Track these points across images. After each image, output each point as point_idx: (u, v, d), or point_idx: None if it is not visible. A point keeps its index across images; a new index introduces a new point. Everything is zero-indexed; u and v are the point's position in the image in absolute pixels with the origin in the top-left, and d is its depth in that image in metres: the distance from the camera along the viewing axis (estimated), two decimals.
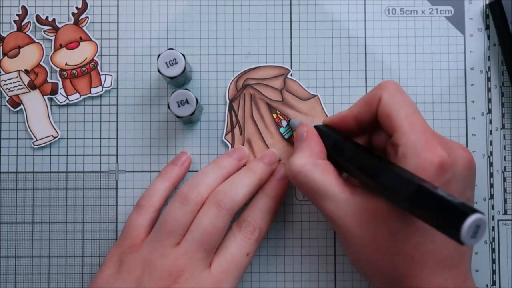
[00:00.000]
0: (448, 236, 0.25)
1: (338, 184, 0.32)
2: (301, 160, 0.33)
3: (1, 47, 0.41)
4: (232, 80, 0.40)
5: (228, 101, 0.40)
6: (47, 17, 0.41)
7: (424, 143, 0.30)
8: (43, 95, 0.40)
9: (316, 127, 0.36)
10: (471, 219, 0.23)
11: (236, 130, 0.40)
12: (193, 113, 0.37)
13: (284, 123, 0.40)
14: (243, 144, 0.40)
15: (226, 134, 0.40)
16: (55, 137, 0.40)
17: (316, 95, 0.40)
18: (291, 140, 0.40)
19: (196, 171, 0.40)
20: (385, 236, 0.30)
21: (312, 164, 0.33)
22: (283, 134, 0.40)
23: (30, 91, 0.40)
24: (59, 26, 0.41)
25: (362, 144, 0.35)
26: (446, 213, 0.25)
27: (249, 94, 0.40)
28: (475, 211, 0.24)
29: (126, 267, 0.34)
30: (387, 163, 0.31)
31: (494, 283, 0.40)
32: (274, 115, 0.40)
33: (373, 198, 0.31)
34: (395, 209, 0.30)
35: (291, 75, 0.41)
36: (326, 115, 0.40)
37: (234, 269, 0.35)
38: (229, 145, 0.40)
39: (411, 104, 0.32)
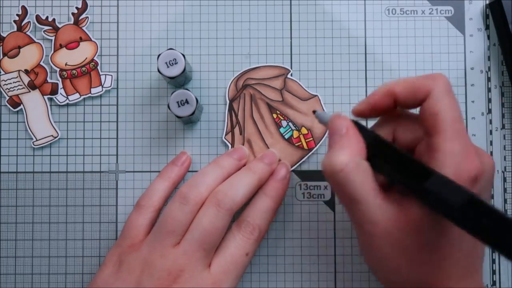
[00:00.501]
0: (501, 253, 0.24)
1: (373, 189, 0.30)
2: (343, 157, 0.30)
3: (1, 47, 0.41)
4: (232, 80, 0.40)
5: (228, 101, 0.40)
6: (47, 17, 0.41)
7: (465, 154, 0.29)
8: (43, 95, 0.40)
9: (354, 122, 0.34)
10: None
11: (236, 130, 0.40)
12: (193, 113, 0.37)
13: (284, 123, 0.40)
14: (243, 144, 0.40)
15: (226, 134, 0.40)
16: (55, 137, 0.40)
17: (316, 95, 0.40)
18: (291, 140, 0.40)
19: (196, 171, 0.40)
20: (415, 245, 0.30)
21: (356, 163, 0.30)
22: (283, 134, 0.40)
23: (30, 91, 0.40)
24: (59, 26, 0.41)
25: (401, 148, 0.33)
26: (501, 229, 0.24)
27: (249, 94, 0.40)
28: None
29: (125, 267, 0.34)
30: (433, 170, 0.29)
31: (494, 283, 0.40)
32: (274, 115, 0.40)
33: (406, 206, 0.30)
34: (428, 219, 0.29)
35: (291, 75, 0.41)
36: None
37: (234, 269, 0.35)
38: (229, 145, 0.40)
39: (459, 110, 0.31)
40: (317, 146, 0.40)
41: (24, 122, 0.40)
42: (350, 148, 0.31)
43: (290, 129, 0.40)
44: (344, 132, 0.31)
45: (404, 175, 0.29)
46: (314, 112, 0.35)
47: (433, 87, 0.31)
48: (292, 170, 0.40)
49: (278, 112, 0.40)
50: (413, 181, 0.29)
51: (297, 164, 0.40)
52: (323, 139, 0.40)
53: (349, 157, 0.30)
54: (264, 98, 0.40)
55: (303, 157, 0.40)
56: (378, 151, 0.31)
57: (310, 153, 0.40)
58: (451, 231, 0.29)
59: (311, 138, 0.40)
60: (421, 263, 0.30)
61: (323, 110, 0.40)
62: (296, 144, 0.40)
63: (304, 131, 0.40)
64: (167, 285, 0.33)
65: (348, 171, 0.30)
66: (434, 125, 0.30)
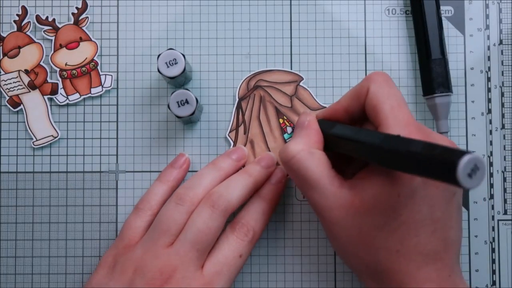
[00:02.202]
0: (446, 182, 0.24)
1: (328, 176, 0.32)
2: (297, 146, 0.33)
3: (1, 47, 0.41)
4: (245, 79, 0.40)
5: (237, 99, 0.40)
6: (47, 17, 0.41)
7: (407, 137, 0.30)
8: (43, 95, 0.40)
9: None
10: (467, 158, 0.23)
11: (241, 129, 0.40)
12: (193, 113, 0.37)
13: (289, 129, 0.40)
14: (245, 144, 0.40)
15: (230, 131, 0.40)
16: (55, 137, 0.40)
17: (325, 107, 0.40)
18: None
19: (196, 171, 0.40)
20: (370, 230, 0.31)
21: (308, 152, 0.33)
22: (287, 140, 0.40)
23: (30, 91, 0.40)
24: (59, 26, 0.41)
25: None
26: (441, 157, 0.24)
27: (259, 95, 0.40)
28: (470, 153, 0.24)
29: (119, 268, 0.34)
30: (380, 132, 0.31)
31: (494, 283, 0.40)
32: (281, 120, 0.40)
33: (359, 191, 0.31)
34: (380, 201, 0.30)
35: (304, 83, 0.41)
36: None
37: (227, 271, 0.35)
38: (232, 143, 0.40)
39: (397, 97, 0.32)
40: None
41: (24, 122, 0.40)
42: (306, 139, 0.34)
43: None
44: (306, 125, 0.35)
45: (359, 144, 0.31)
46: (292, 126, 0.39)
47: (370, 85, 0.32)
48: None
49: (285, 118, 0.40)
50: (367, 145, 0.30)
51: None
52: None
53: (303, 146, 0.33)
54: (273, 101, 0.40)
55: None
56: (339, 134, 0.33)
57: None
58: (405, 214, 0.30)
59: None
60: (377, 247, 0.31)
61: None
62: None
63: None
64: (159, 285, 0.33)
65: (300, 157, 0.33)
66: (376, 118, 0.32)
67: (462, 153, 0.23)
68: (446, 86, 0.39)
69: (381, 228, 0.30)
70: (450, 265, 0.31)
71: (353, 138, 0.32)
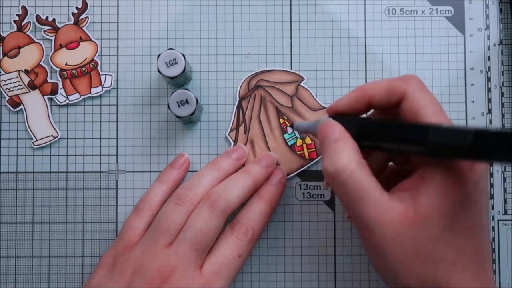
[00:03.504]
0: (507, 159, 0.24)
1: (378, 188, 0.30)
2: (346, 157, 0.30)
3: (1, 47, 0.41)
4: (245, 79, 0.40)
5: (238, 99, 0.40)
6: (47, 17, 0.41)
7: None
8: (43, 95, 0.40)
9: (334, 118, 0.33)
10: None
11: (241, 128, 0.40)
12: (193, 113, 0.37)
13: (289, 129, 0.40)
14: (245, 144, 0.40)
15: (230, 131, 0.40)
16: (55, 137, 0.40)
17: (326, 108, 0.40)
18: (293, 148, 0.40)
19: (196, 171, 0.39)
20: (426, 242, 0.29)
21: (358, 162, 0.30)
22: (287, 140, 0.40)
23: (30, 91, 0.40)
24: (59, 26, 0.41)
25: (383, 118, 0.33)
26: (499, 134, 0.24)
27: (259, 95, 0.40)
28: None
29: (118, 268, 0.34)
30: (427, 124, 0.29)
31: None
32: (281, 120, 0.40)
33: (412, 203, 0.29)
34: (436, 211, 0.29)
35: (304, 83, 0.41)
36: None
37: (226, 271, 0.35)
38: (232, 142, 0.40)
39: (437, 103, 0.31)
40: (318, 158, 0.40)
41: (24, 122, 0.40)
42: (348, 149, 0.30)
43: (294, 136, 0.40)
44: (338, 136, 0.31)
45: (404, 140, 0.29)
46: (292, 126, 0.37)
47: (407, 88, 0.31)
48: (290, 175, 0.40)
49: (286, 118, 0.40)
50: (415, 140, 0.28)
51: (295, 173, 0.40)
52: None
53: (350, 156, 0.30)
54: (274, 101, 0.40)
55: (302, 167, 0.40)
56: (368, 136, 0.31)
57: (310, 163, 0.40)
58: (460, 223, 0.29)
59: (314, 149, 0.40)
60: (436, 260, 0.29)
61: None
62: (298, 152, 0.40)
63: (308, 140, 0.40)
64: (158, 285, 0.33)
65: (352, 169, 0.29)
66: (415, 121, 0.30)
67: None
68: None
69: (438, 240, 0.29)
70: (492, 274, 0.31)
71: (399, 137, 0.30)
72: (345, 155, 0.30)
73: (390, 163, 0.36)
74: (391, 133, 0.30)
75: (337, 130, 0.31)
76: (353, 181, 0.29)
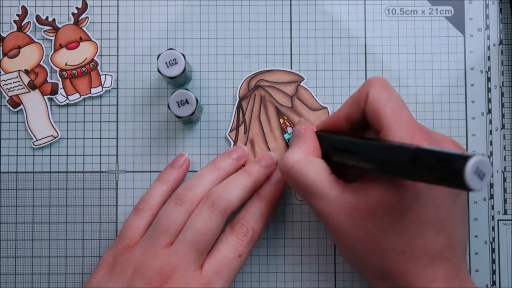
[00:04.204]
0: (454, 187, 0.24)
1: (329, 181, 0.32)
2: (295, 155, 0.34)
3: (1, 47, 0.41)
4: (245, 79, 0.40)
5: (238, 99, 0.40)
6: (47, 17, 0.41)
7: (411, 138, 0.30)
8: (43, 95, 0.40)
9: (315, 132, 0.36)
10: (472, 160, 0.23)
11: (241, 128, 0.40)
12: (193, 113, 0.37)
13: (289, 129, 0.40)
14: (245, 144, 0.40)
15: (230, 131, 0.40)
16: (55, 137, 0.40)
17: (326, 108, 0.40)
18: None
19: (196, 171, 0.39)
20: (375, 233, 0.31)
21: (306, 160, 0.33)
22: (287, 141, 0.40)
23: (30, 91, 0.40)
24: (59, 26, 0.41)
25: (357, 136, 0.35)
26: (447, 163, 0.24)
27: (259, 95, 0.40)
28: (475, 155, 0.23)
29: (118, 268, 0.34)
30: (381, 140, 0.31)
31: (494, 283, 0.40)
32: (281, 120, 0.40)
33: (363, 195, 0.31)
34: (385, 204, 0.30)
35: (304, 83, 0.41)
36: None
37: (226, 271, 0.35)
38: (232, 142, 0.40)
39: (398, 99, 0.32)
40: None
41: (24, 122, 0.40)
42: (304, 147, 0.34)
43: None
44: (302, 134, 0.35)
45: (355, 154, 0.31)
46: (292, 126, 0.39)
47: (369, 89, 0.32)
48: None
49: (286, 118, 0.40)
50: (364, 156, 0.30)
51: None
52: None
53: (301, 154, 0.34)
54: (274, 101, 0.40)
55: None
56: (333, 145, 0.34)
57: None
58: (410, 217, 0.30)
59: None
60: (384, 250, 0.31)
61: None
62: None
63: None
64: (158, 285, 0.33)
65: (299, 166, 0.33)
66: (377, 122, 0.32)
67: (466, 157, 0.23)
68: None
69: (386, 231, 0.31)
70: (457, 264, 0.31)
71: (351, 150, 0.32)
72: (296, 153, 0.34)
73: None
74: (346, 148, 0.33)
75: (302, 129, 0.36)
76: (300, 176, 0.33)
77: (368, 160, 0.30)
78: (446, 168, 0.24)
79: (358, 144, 0.32)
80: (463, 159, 0.23)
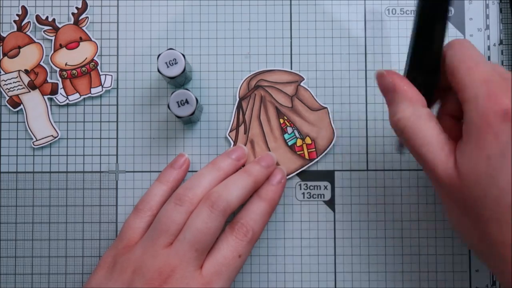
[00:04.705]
0: None
1: (440, 140, 0.30)
2: (408, 109, 0.31)
3: (1, 47, 0.41)
4: (245, 79, 0.40)
5: (238, 99, 0.40)
6: (47, 17, 0.41)
7: (486, 94, 0.28)
8: (43, 95, 0.40)
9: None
10: None
11: (241, 128, 0.40)
12: (193, 113, 0.37)
13: (289, 129, 0.40)
14: (245, 144, 0.40)
15: (230, 131, 0.40)
16: (55, 137, 0.40)
17: (326, 108, 0.40)
18: (293, 148, 0.40)
19: (196, 171, 0.39)
20: (473, 202, 0.29)
21: (421, 111, 0.31)
22: (287, 141, 0.40)
23: (30, 91, 0.40)
24: (59, 26, 0.41)
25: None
26: None
27: (259, 95, 0.40)
28: None
29: (118, 268, 0.34)
30: None
31: (494, 283, 0.40)
32: (281, 120, 0.40)
33: (457, 165, 0.29)
34: (472, 172, 0.28)
35: (304, 83, 0.41)
36: (333, 128, 0.40)
37: (226, 271, 0.35)
38: (232, 142, 0.40)
39: (475, 57, 0.31)
40: (318, 158, 0.40)
41: (24, 122, 0.40)
42: (409, 99, 0.31)
43: (294, 136, 0.40)
44: (398, 87, 0.32)
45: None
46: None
47: (447, 51, 0.32)
48: (290, 176, 0.40)
49: (286, 118, 0.40)
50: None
51: (294, 173, 0.40)
52: (325, 152, 0.40)
53: (412, 108, 0.31)
54: (274, 101, 0.40)
55: (302, 167, 0.40)
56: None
57: (310, 163, 0.40)
58: (499, 178, 0.28)
59: (314, 149, 0.40)
60: (487, 220, 0.28)
61: (331, 123, 0.40)
62: (298, 153, 0.40)
63: (308, 141, 0.40)
64: (158, 285, 0.33)
65: (414, 119, 0.31)
66: (454, 82, 0.31)
67: None
68: None
69: (483, 199, 0.28)
70: None
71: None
72: (407, 108, 0.31)
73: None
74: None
75: (396, 80, 0.32)
76: (416, 130, 0.30)
77: None
78: None
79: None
80: None
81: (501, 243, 0.28)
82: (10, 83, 0.40)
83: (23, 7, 0.41)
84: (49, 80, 0.41)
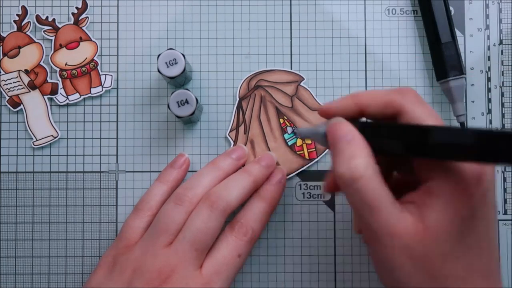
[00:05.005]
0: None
1: (390, 196, 0.29)
2: (364, 163, 0.28)
3: (1, 47, 0.41)
4: (245, 79, 0.40)
5: (238, 99, 0.40)
6: (47, 17, 0.41)
7: None
8: (43, 95, 0.40)
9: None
10: None
11: (241, 128, 0.40)
12: (193, 113, 0.37)
13: (289, 129, 0.40)
14: (245, 144, 0.40)
15: (230, 131, 0.40)
16: (55, 137, 0.40)
17: None
18: (293, 148, 0.40)
19: (196, 171, 0.39)
20: (436, 258, 0.28)
21: (373, 169, 0.28)
22: (287, 140, 0.40)
23: (30, 91, 0.40)
24: (59, 26, 0.41)
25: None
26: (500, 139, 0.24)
27: (259, 95, 0.40)
28: None
29: (118, 268, 0.34)
30: (429, 126, 0.28)
31: None
32: (281, 120, 0.40)
33: (421, 218, 0.28)
34: (447, 226, 0.28)
35: (304, 83, 0.41)
36: None
37: (225, 270, 0.35)
38: (232, 142, 0.40)
39: (436, 115, 0.30)
40: (318, 158, 0.40)
41: (24, 122, 0.40)
42: (364, 153, 0.29)
43: (294, 136, 0.40)
44: (351, 138, 0.29)
45: (405, 141, 0.28)
46: (294, 133, 0.38)
47: (404, 102, 0.30)
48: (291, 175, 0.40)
49: (286, 118, 0.40)
50: (416, 141, 0.28)
51: (295, 173, 0.40)
52: (325, 152, 0.40)
53: (367, 162, 0.29)
54: (274, 101, 0.40)
55: (302, 166, 0.40)
56: (375, 135, 0.30)
57: (310, 163, 0.40)
58: (469, 238, 0.28)
59: (314, 149, 0.40)
60: (446, 276, 0.28)
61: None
62: (298, 152, 0.40)
63: (308, 140, 0.40)
64: (158, 285, 0.33)
65: (369, 176, 0.28)
66: None
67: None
68: (458, 69, 0.39)
69: (448, 256, 0.28)
70: (499, 276, 0.30)
71: (398, 138, 0.29)
72: (362, 161, 0.28)
73: (395, 173, 0.34)
74: (394, 134, 0.29)
75: (350, 132, 0.30)
76: (369, 189, 0.28)
77: (419, 142, 0.28)
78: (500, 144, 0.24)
79: (401, 128, 0.29)
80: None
81: None
82: (10, 83, 0.40)
83: (23, 7, 0.41)
84: (49, 80, 0.41)
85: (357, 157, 0.29)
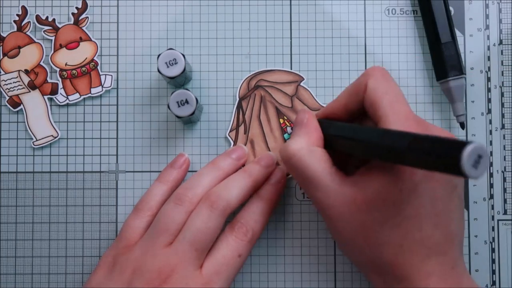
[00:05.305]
0: (451, 173, 0.24)
1: (329, 173, 0.32)
2: (297, 144, 0.33)
3: (1, 47, 0.41)
4: (245, 79, 0.40)
5: (238, 99, 0.40)
6: (47, 17, 0.41)
7: (407, 130, 0.30)
8: (43, 95, 0.40)
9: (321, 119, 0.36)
10: (470, 147, 0.23)
11: (241, 128, 0.40)
12: (193, 113, 0.37)
13: (289, 129, 0.40)
14: (245, 144, 0.40)
15: (230, 131, 0.40)
16: (55, 137, 0.40)
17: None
18: None
19: (196, 171, 0.39)
20: (373, 225, 0.31)
21: (308, 150, 0.33)
22: (287, 140, 0.40)
23: (30, 91, 0.40)
24: (59, 26, 0.41)
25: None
26: (444, 150, 0.24)
27: (259, 95, 0.40)
28: (473, 142, 0.23)
29: (118, 268, 0.34)
30: (379, 128, 0.31)
31: (494, 283, 0.40)
32: (281, 120, 0.40)
33: (361, 188, 0.31)
34: (383, 196, 0.30)
35: (304, 83, 0.41)
36: None
37: (225, 270, 0.35)
38: (232, 142, 0.40)
39: (396, 91, 0.32)
40: None
41: (24, 122, 0.40)
42: (306, 137, 0.34)
43: None
44: (305, 123, 0.35)
45: (357, 140, 0.31)
46: (292, 126, 0.39)
47: (368, 80, 0.32)
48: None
49: (286, 118, 0.40)
50: (364, 142, 0.30)
51: None
52: None
53: (303, 144, 0.33)
54: (274, 101, 0.40)
55: None
56: (336, 134, 0.34)
57: None
58: (407, 209, 0.30)
59: None
60: (381, 242, 0.31)
61: None
62: None
63: None
64: (158, 285, 0.33)
65: (300, 156, 0.33)
66: (375, 114, 0.32)
67: (464, 143, 0.23)
68: (458, 69, 0.39)
69: (384, 224, 0.31)
70: (453, 257, 0.32)
71: (352, 137, 0.32)
72: (297, 142, 0.33)
73: None
74: (346, 135, 0.32)
75: (305, 117, 0.35)
76: (302, 166, 0.33)
77: (367, 147, 0.30)
78: (444, 154, 0.24)
79: (358, 130, 0.32)
80: (461, 145, 0.23)
81: (391, 264, 0.31)
82: (10, 83, 0.40)
83: (23, 7, 0.41)
84: (49, 80, 0.41)
85: (296, 138, 0.34)
